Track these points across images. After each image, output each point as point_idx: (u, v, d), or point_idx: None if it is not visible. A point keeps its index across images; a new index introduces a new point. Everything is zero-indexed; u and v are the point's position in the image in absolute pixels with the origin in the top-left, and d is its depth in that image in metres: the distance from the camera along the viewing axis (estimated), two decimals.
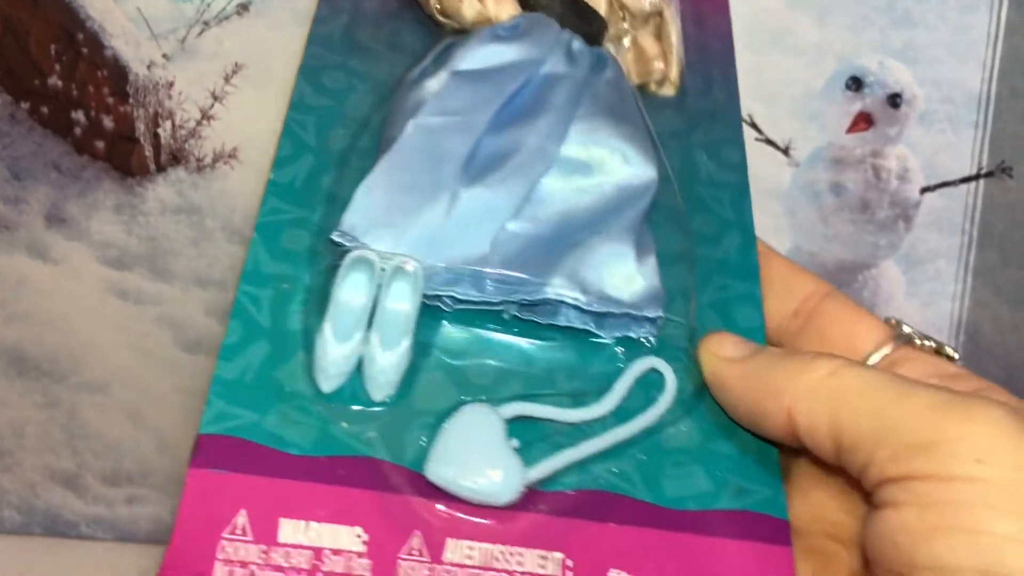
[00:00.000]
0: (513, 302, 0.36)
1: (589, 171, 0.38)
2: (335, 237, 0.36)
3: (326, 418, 0.34)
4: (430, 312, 0.36)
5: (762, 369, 0.31)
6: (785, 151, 0.71)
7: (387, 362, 0.34)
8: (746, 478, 0.34)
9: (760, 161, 0.70)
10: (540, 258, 0.36)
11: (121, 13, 0.68)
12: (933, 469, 0.25)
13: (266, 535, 0.31)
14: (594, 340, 0.37)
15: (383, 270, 0.34)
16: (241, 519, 0.31)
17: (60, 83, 0.69)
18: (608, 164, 0.39)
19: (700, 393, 0.37)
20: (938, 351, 0.34)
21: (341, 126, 0.41)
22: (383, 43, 0.45)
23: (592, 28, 0.42)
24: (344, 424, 0.34)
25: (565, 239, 0.37)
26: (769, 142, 0.71)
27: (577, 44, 0.41)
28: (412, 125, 0.38)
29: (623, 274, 0.36)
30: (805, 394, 0.29)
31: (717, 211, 0.42)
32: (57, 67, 0.69)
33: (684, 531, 0.33)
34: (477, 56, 0.40)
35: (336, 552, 0.31)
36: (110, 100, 0.70)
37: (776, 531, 0.33)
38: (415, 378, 0.35)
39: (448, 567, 0.31)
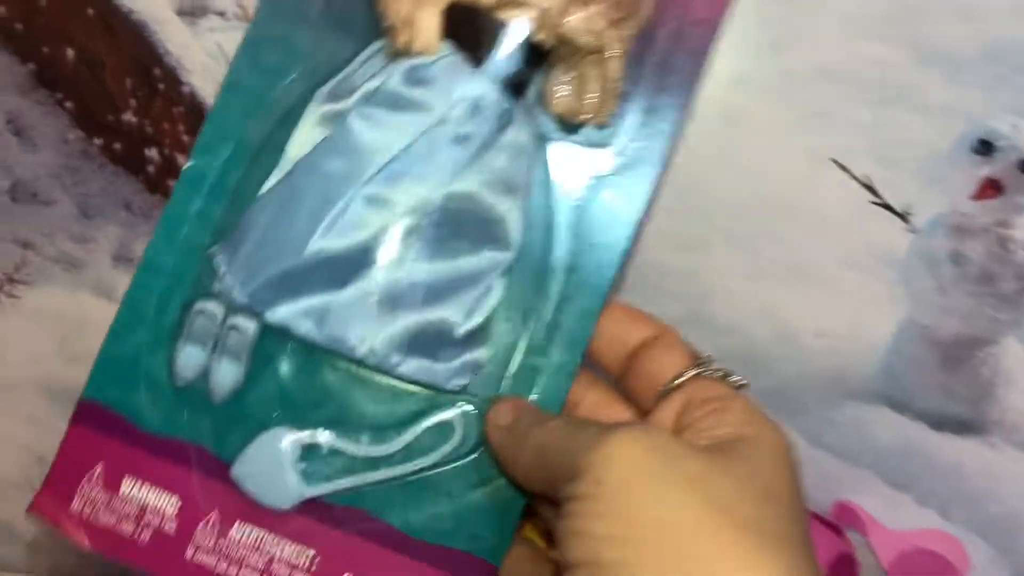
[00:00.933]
0: (343, 354, 0.42)
1: (451, 244, 0.41)
2: (240, 298, 0.42)
3: (174, 406, 0.43)
4: (278, 333, 0.42)
5: (521, 433, 0.37)
6: (903, 216, 0.65)
7: (224, 376, 0.42)
8: (483, 526, 0.41)
9: (875, 226, 0.65)
10: (379, 322, 0.41)
11: (200, 48, 0.64)
12: (574, 491, 0.32)
13: (112, 486, 0.42)
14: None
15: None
16: (98, 469, 0.42)
17: (135, 119, 0.66)
18: (470, 240, 0.42)
19: (478, 446, 0.42)
20: (725, 377, 0.40)
21: (264, 116, 0.44)
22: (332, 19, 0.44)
23: (517, 77, 0.42)
24: (186, 414, 0.43)
25: (406, 308, 0.41)
26: (886, 206, 0.65)
27: (489, 97, 0.42)
28: (301, 167, 0.42)
29: (443, 350, 0.42)
30: (532, 450, 0.36)
31: (583, 274, 0.43)
32: (132, 102, 0.66)
33: (414, 558, 0.41)
34: (381, 99, 0.41)
35: (156, 511, 0.41)
36: (185, 138, 0.66)
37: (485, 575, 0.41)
38: (251, 388, 0.43)
39: (230, 541, 0.41)
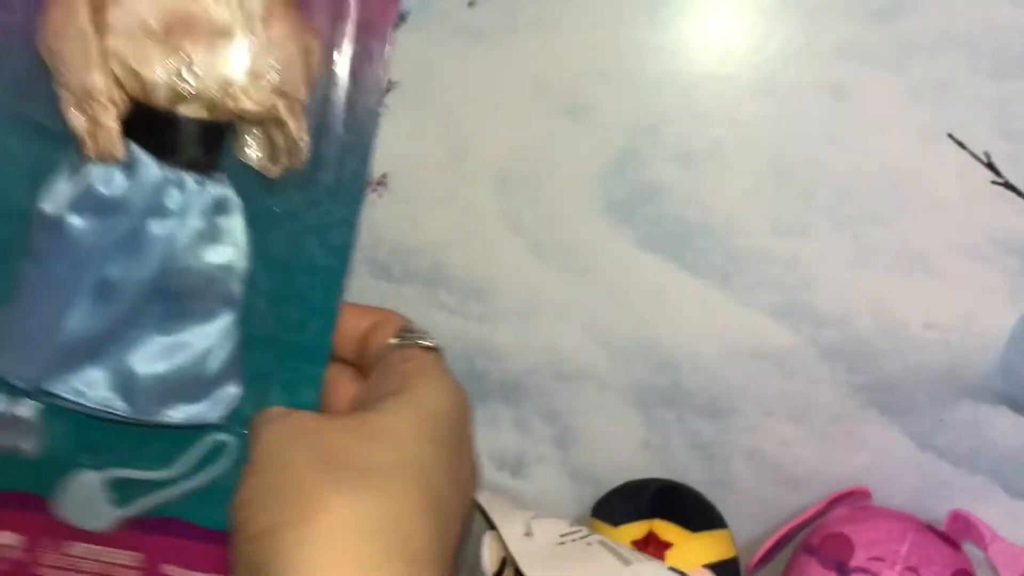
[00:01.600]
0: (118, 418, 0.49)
1: (183, 308, 0.49)
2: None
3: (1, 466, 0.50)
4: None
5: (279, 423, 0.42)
6: None
7: (23, 446, 0.50)
8: None
9: (995, 208, 0.59)
10: (139, 384, 0.49)
11: None
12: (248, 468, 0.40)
13: None
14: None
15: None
16: None
17: None
18: (197, 301, 0.49)
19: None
20: (419, 342, 0.46)
21: None
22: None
23: (204, 155, 0.48)
24: (11, 469, 0.50)
25: (158, 366, 0.49)
26: (1009, 186, 0.59)
27: (181, 181, 0.47)
28: (33, 270, 0.48)
29: (196, 392, 0.49)
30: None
31: (309, 299, 0.50)
32: None
33: (211, 543, 0.50)
34: (87, 202, 0.47)
35: (7, 546, 0.51)
36: None
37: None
38: (56, 440, 0.50)
39: (72, 557, 0.51)
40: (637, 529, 0.59)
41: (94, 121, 0.46)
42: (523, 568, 0.51)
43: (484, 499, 0.56)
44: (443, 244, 0.64)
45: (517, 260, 0.63)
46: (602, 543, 0.52)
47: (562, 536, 0.53)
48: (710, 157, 0.59)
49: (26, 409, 0.49)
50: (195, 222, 0.49)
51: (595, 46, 0.60)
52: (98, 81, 0.46)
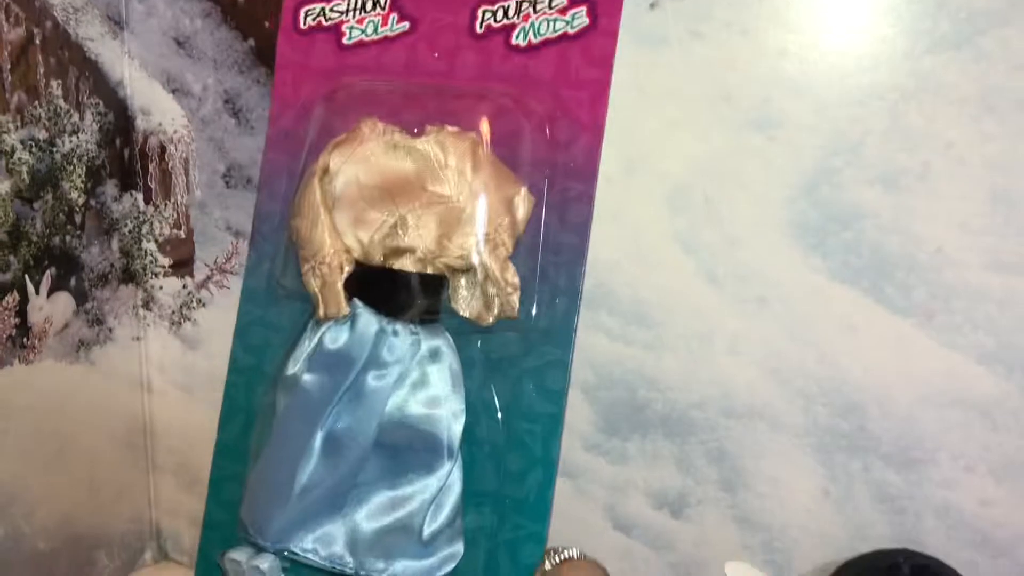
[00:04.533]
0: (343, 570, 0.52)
1: (401, 460, 0.51)
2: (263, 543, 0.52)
3: None
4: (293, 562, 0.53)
5: None
6: None
7: None
8: None
9: None
10: (361, 539, 0.51)
11: None
12: None
13: None
14: None
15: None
16: None
17: None
18: (415, 452, 0.51)
19: None
20: None
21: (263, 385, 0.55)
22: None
23: (420, 306, 0.51)
24: None
25: (378, 521, 0.51)
26: None
27: (399, 333, 0.51)
28: (278, 428, 0.52)
29: (416, 548, 0.51)
30: None
31: (529, 446, 0.51)
32: None
33: None
34: (318, 358, 0.51)
35: None
36: None
37: None
38: None
39: None
40: None
41: (323, 283, 0.50)
42: None
43: None
44: (608, 263, 0.59)
45: (688, 284, 0.58)
46: None
47: None
48: (918, 181, 0.53)
49: (265, 562, 0.51)
50: (410, 372, 0.50)
51: (789, 54, 0.54)
52: (326, 247, 0.50)
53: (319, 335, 0.51)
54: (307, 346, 0.52)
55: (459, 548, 0.51)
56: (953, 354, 0.54)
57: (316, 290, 0.51)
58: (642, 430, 0.61)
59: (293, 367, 0.52)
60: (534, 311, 0.52)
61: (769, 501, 0.59)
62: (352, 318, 0.51)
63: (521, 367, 0.52)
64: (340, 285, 0.50)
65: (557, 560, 0.48)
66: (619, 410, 0.61)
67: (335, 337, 0.51)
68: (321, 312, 0.51)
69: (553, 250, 0.52)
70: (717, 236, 0.57)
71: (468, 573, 0.52)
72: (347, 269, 0.50)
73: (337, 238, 0.51)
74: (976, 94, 0.52)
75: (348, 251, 0.51)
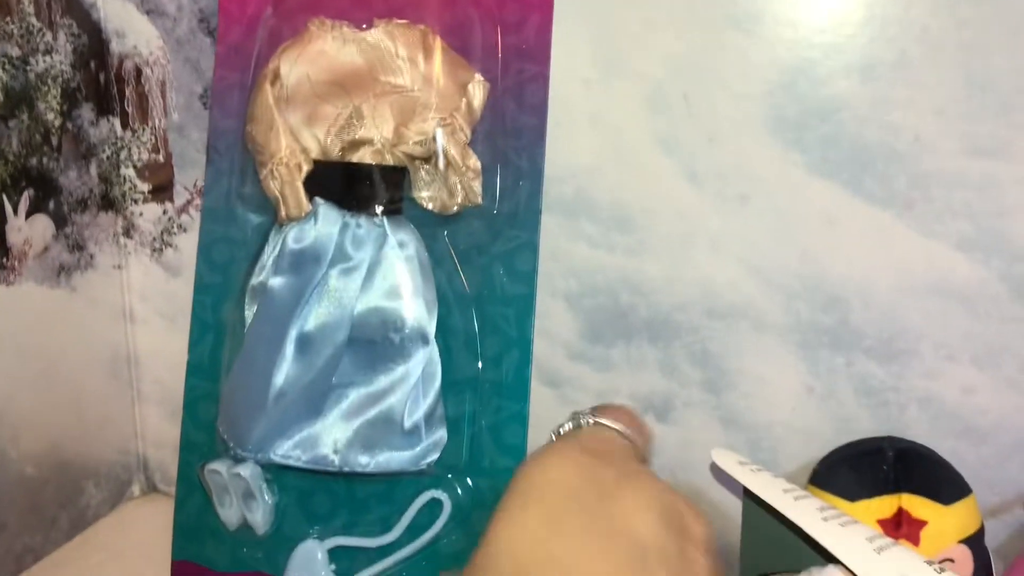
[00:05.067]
0: (333, 472, 0.52)
1: (377, 353, 0.51)
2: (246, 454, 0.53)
3: (234, 547, 0.55)
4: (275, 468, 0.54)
5: None
6: None
7: (255, 517, 0.53)
8: None
9: None
10: (341, 434, 0.51)
11: None
12: None
13: None
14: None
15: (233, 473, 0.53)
16: None
17: None
18: (391, 346, 0.51)
19: (471, 509, 0.52)
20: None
21: (230, 300, 0.55)
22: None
23: (381, 198, 0.51)
24: (245, 549, 0.55)
25: (359, 415, 0.51)
26: None
27: (363, 227, 0.51)
28: (249, 335, 0.53)
29: (398, 439, 0.51)
30: None
31: (504, 330, 0.52)
32: None
33: None
34: (284, 261, 0.51)
35: None
36: None
37: None
38: (284, 514, 0.54)
39: None
40: (883, 506, 0.50)
41: (282, 184, 0.50)
42: None
43: (755, 483, 0.44)
44: (588, 169, 0.59)
45: (669, 186, 0.58)
46: None
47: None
48: (895, 70, 0.53)
49: (247, 469, 0.52)
50: (378, 265, 0.50)
51: None
52: (283, 148, 0.50)
53: (282, 237, 0.51)
54: (272, 251, 0.52)
55: (442, 435, 0.51)
56: (933, 243, 0.54)
57: (276, 192, 0.51)
58: (626, 336, 0.61)
59: (260, 275, 0.52)
60: (498, 196, 0.52)
61: (753, 400, 0.60)
62: (314, 216, 0.50)
63: (490, 253, 0.52)
64: (299, 184, 0.50)
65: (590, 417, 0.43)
66: (602, 317, 0.61)
67: (299, 237, 0.50)
68: (283, 213, 0.51)
69: (513, 134, 0.52)
70: (697, 135, 0.57)
71: (453, 459, 0.52)
72: (305, 168, 0.50)
73: (293, 138, 0.50)
74: None
75: (305, 151, 0.50)
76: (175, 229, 0.69)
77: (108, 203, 0.69)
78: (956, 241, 0.54)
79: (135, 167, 0.68)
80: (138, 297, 0.71)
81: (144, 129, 0.67)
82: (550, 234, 0.60)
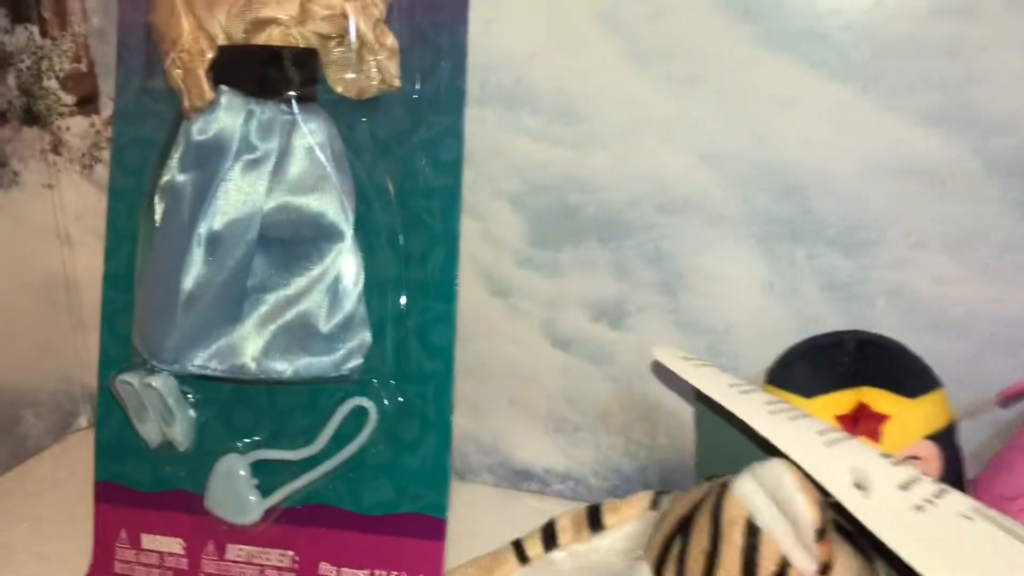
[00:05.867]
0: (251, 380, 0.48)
1: (290, 251, 0.47)
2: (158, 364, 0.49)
3: (156, 465, 0.53)
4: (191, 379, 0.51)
5: None
6: None
7: (174, 432, 0.51)
8: (421, 486, 0.49)
9: None
10: (256, 340, 0.48)
11: None
12: None
13: (135, 544, 0.53)
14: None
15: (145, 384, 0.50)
16: (123, 534, 0.53)
17: None
18: (304, 242, 0.47)
19: (395, 417, 0.49)
20: None
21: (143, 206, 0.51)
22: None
23: (281, 89, 0.47)
24: (167, 467, 0.52)
25: (274, 319, 0.48)
26: None
27: (269, 115, 0.47)
28: (158, 238, 0.49)
29: (318, 344, 0.47)
30: None
31: (429, 224, 0.48)
32: None
33: (371, 532, 0.49)
34: (190, 156, 0.47)
35: (170, 554, 0.52)
36: None
37: (434, 529, 0.48)
38: (205, 429, 0.51)
39: (228, 562, 0.51)
40: (840, 401, 0.46)
41: (185, 72, 0.47)
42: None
43: (698, 378, 0.43)
44: (526, 56, 0.55)
45: (613, 69, 0.53)
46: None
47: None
48: None
49: (159, 380, 0.49)
50: (288, 156, 0.47)
51: None
52: (184, 32, 0.46)
53: (187, 131, 0.47)
54: (178, 147, 0.48)
55: (366, 338, 0.48)
56: (898, 119, 0.50)
57: (179, 83, 0.47)
58: (575, 238, 0.57)
59: (167, 173, 0.49)
60: (417, 78, 0.48)
61: (712, 301, 0.55)
62: (217, 105, 0.47)
63: (412, 142, 0.48)
64: (202, 71, 0.46)
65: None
66: (549, 218, 0.57)
67: (203, 128, 0.47)
68: (187, 103, 0.47)
69: (431, 7, 0.48)
70: (640, 9, 0.52)
71: (378, 364, 0.48)
72: (209, 55, 0.46)
73: (196, 23, 0.47)
74: None
75: (211, 37, 0.47)
76: (103, 143, 0.65)
77: (32, 117, 0.65)
78: (923, 115, 0.49)
79: (58, 78, 0.64)
80: (72, 218, 0.68)
81: (64, 37, 0.63)
82: (490, 128, 0.56)
